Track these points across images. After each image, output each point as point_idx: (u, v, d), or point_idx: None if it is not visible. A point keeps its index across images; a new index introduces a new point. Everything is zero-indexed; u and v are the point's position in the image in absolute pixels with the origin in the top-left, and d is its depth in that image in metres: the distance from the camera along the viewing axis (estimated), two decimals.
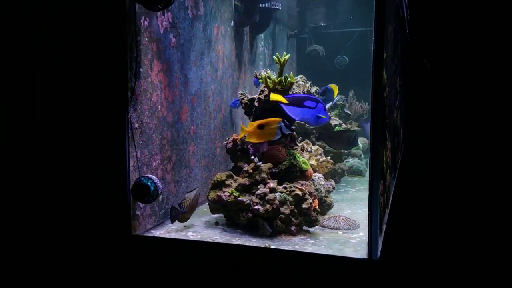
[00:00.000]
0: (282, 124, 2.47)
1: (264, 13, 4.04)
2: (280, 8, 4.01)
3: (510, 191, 1.67)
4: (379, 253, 1.92)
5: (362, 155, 4.55)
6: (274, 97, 2.55)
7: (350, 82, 5.38)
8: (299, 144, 2.92)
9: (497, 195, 1.70)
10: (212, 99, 3.25)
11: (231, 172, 2.63)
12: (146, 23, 2.32)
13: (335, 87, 3.12)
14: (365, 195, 3.48)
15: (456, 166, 1.73)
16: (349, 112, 4.58)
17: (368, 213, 1.94)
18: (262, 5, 3.88)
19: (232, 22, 3.66)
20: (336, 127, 3.93)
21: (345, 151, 4.06)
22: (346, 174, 3.98)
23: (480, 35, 1.67)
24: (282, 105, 2.54)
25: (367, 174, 4.39)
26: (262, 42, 4.57)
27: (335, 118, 4.21)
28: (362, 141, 4.73)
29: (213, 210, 2.59)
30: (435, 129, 1.75)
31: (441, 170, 1.74)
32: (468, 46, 1.68)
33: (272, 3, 3.92)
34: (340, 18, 5.77)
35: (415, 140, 1.77)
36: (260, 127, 2.51)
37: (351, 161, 4.31)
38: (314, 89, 3.86)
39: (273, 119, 2.50)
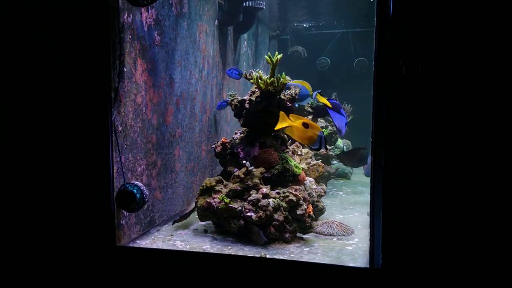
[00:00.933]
0: (323, 136, 2.29)
1: (248, 12, 3.93)
2: (264, 7, 3.90)
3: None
4: (381, 261, 1.84)
5: None
6: (321, 99, 2.57)
7: (332, 84, 5.33)
8: (290, 147, 2.82)
9: (500, 203, 1.66)
10: (197, 101, 3.11)
11: (220, 177, 2.50)
12: (129, 19, 2.17)
13: (304, 83, 2.80)
14: (354, 198, 3.44)
15: (453, 166, 1.67)
16: None
17: (370, 221, 1.86)
18: (246, 4, 3.77)
19: (216, 21, 3.54)
20: (323, 129, 3.86)
21: (332, 154, 4.00)
22: (332, 177, 3.92)
23: (484, 41, 1.62)
24: (328, 109, 2.53)
25: (352, 176, 4.36)
26: (245, 42, 4.46)
27: (321, 120, 4.14)
28: (346, 143, 4.68)
29: (201, 217, 2.45)
30: (426, 135, 1.70)
31: (438, 174, 1.68)
32: (469, 54, 1.63)
33: (256, 2, 3.81)
34: (321, 19, 5.72)
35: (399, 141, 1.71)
36: (305, 125, 2.28)
37: (336, 164, 4.25)
38: (293, 91, 3.75)
39: (318, 126, 2.36)
